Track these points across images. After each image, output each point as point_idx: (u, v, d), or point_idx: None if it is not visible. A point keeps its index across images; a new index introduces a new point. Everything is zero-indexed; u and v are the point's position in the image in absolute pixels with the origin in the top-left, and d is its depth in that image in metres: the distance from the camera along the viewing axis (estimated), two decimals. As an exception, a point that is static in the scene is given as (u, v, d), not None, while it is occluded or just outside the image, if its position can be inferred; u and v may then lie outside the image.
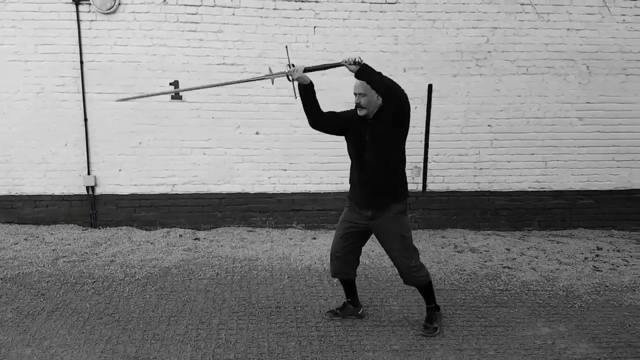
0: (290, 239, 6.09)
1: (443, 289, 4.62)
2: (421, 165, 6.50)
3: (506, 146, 6.57)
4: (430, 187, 6.58)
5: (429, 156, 6.50)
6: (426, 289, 3.81)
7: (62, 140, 6.19)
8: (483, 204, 6.66)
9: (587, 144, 6.63)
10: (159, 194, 6.35)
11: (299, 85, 3.57)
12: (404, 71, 6.27)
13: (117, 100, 4.89)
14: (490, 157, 6.57)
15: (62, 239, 5.83)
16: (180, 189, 6.38)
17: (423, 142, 6.44)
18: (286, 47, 3.83)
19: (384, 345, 3.64)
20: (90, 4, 5.88)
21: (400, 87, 3.39)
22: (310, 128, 3.69)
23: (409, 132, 3.62)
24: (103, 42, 6.01)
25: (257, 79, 4.04)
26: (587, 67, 6.47)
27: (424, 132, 6.41)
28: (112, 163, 6.27)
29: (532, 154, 6.60)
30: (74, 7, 5.91)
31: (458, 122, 6.47)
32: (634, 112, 6.59)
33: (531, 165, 6.63)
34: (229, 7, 6.05)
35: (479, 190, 6.63)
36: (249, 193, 6.44)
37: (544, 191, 6.69)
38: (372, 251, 5.51)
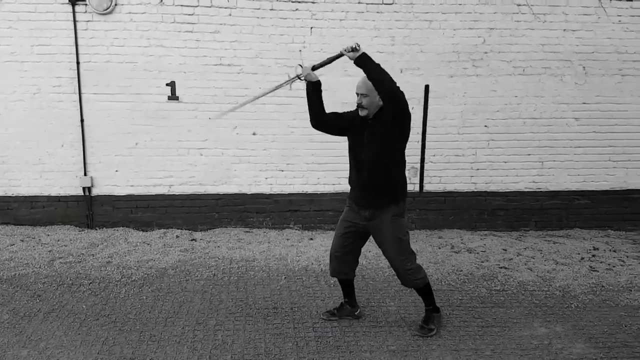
0: (287, 239, 6.09)
1: (440, 290, 4.62)
2: (418, 165, 6.50)
3: (503, 146, 6.58)
4: (427, 187, 6.59)
5: (426, 157, 6.51)
6: (424, 290, 3.81)
7: (58, 141, 6.17)
8: (480, 205, 6.67)
9: (584, 144, 6.65)
10: (156, 195, 6.34)
11: (308, 83, 3.65)
12: (401, 72, 6.28)
13: (211, 118, 4.96)
14: (487, 157, 6.59)
15: (58, 240, 5.81)
16: (177, 190, 6.37)
17: (420, 143, 6.45)
18: (300, 50, 3.89)
19: (381, 346, 3.65)
20: (86, 4, 5.87)
21: (396, 85, 3.40)
22: (308, 129, 3.71)
23: (406, 133, 3.63)
24: (99, 43, 6.00)
25: (278, 88, 4.09)
26: (584, 67, 6.49)
27: (420, 132, 6.42)
28: (109, 164, 6.25)
29: (529, 155, 6.62)
30: (70, 7, 5.90)
31: (455, 122, 6.48)
32: (630, 113, 6.62)
33: (528, 166, 6.64)
34: (225, 8, 6.05)
35: (475, 190, 6.64)
36: (246, 194, 6.44)
37: (541, 191, 6.71)
38: (369, 252, 5.51)
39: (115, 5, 5.92)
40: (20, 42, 5.94)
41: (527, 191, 6.69)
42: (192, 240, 5.99)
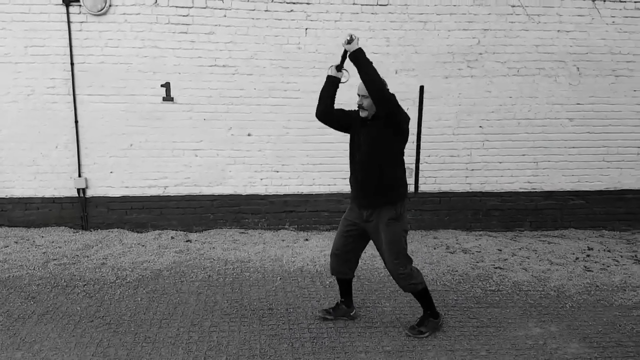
0: (283, 240, 6.09)
1: (435, 290, 4.63)
2: (413, 166, 6.51)
3: (497, 147, 6.60)
4: (422, 188, 6.60)
5: (421, 157, 6.52)
6: (420, 294, 3.79)
7: (52, 143, 6.15)
8: (475, 205, 6.68)
9: (578, 144, 6.68)
10: (151, 196, 6.33)
11: (328, 77, 3.70)
12: (396, 73, 6.29)
13: None
14: (482, 158, 6.60)
15: (52, 242, 5.79)
16: (172, 191, 6.35)
17: (415, 144, 6.46)
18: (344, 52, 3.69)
19: (376, 347, 3.65)
20: (80, 5, 5.85)
21: (386, 87, 3.44)
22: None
23: (402, 134, 3.64)
24: (94, 44, 5.99)
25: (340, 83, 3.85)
26: (577, 68, 6.51)
27: (415, 133, 6.42)
28: (103, 165, 6.23)
29: (523, 155, 6.64)
30: (64, 8, 5.88)
31: (449, 123, 6.49)
32: (624, 113, 6.65)
33: (522, 166, 6.66)
34: (220, 9, 6.04)
35: (470, 191, 6.66)
36: (241, 195, 6.43)
37: (535, 192, 6.73)
38: (365, 252, 5.50)
39: (110, 6, 5.91)
40: (14, 43, 5.92)
41: (522, 191, 6.71)
42: (187, 241, 5.98)
